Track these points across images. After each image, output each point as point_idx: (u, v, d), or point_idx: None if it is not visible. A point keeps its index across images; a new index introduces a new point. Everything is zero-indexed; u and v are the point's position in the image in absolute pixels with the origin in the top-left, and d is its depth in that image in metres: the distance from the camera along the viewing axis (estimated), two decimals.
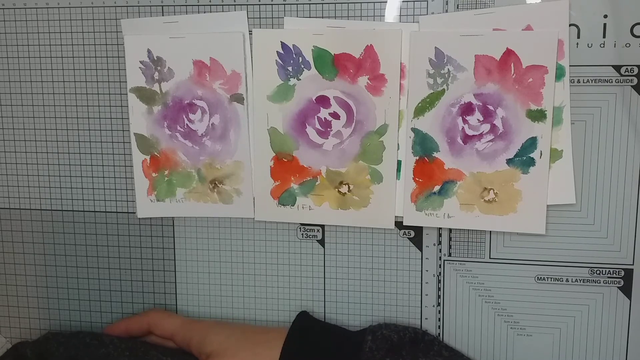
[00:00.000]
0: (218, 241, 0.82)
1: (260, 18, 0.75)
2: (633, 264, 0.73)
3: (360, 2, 0.73)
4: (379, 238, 0.78)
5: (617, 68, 0.70)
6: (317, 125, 0.75)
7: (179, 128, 0.78)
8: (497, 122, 0.71)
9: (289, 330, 0.75)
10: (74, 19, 0.79)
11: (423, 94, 0.72)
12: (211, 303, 0.83)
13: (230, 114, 0.77)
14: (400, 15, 0.72)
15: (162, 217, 0.82)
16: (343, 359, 0.72)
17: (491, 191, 0.73)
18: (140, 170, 0.80)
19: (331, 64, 0.73)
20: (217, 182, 0.79)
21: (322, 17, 0.74)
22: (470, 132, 0.72)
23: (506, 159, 0.72)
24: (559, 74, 0.69)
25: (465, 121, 0.72)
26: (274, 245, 0.81)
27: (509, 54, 0.69)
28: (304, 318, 0.78)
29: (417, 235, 0.77)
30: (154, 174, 0.80)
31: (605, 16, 0.69)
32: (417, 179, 0.74)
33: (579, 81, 0.70)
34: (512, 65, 0.70)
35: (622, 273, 0.74)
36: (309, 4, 0.74)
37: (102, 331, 0.83)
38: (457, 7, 0.71)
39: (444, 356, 0.73)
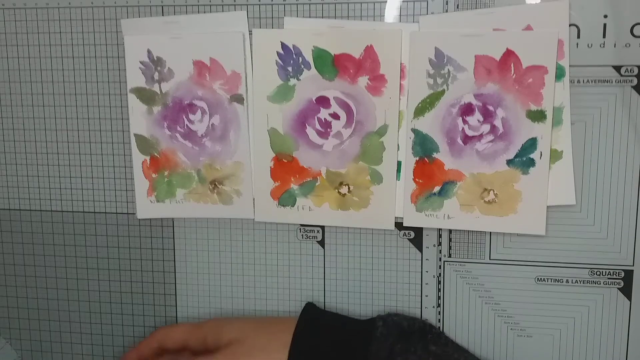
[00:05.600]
0: (218, 242, 0.82)
1: (260, 18, 0.75)
2: (633, 265, 0.73)
3: (360, 2, 0.73)
4: (379, 239, 0.78)
5: (617, 68, 0.70)
6: (317, 126, 0.75)
7: (178, 128, 0.78)
8: (497, 123, 0.71)
9: (299, 317, 0.75)
10: (74, 19, 0.79)
11: (423, 94, 0.72)
12: (211, 304, 0.83)
13: (230, 114, 0.77)
14: (400, 16, 0.72)
15: (162, 218, 0.82)
16: (354, 344, 0.72)
17: (491, 192, 0.73)
18: (140, 171, 0.80)
19: (331, 64, 0.73)
20: (217, 183, 0.79)
21: (322, 17, 0.74)
22: (470, 133, 0.72)
23: (506, 160, 0.72)
24: (559, 74, 0.69)
25: (465, 122, 0.72)
26: (274, 246, 0.80)
27: (509, 54, 0.69)
28: (311, 307, 0.78)
29: (417, 236, 0.77)
30: (153, 175, 0.80)
31: (605, 16, 0.69)
32: (417, 179, 0.74)
33: (579, 81, 0.70)
34: (512, 65, 0.70)
35: (622, 274, 0.74)
36: (309, 4, 0.74)
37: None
38: (457, 7, 0.71)
39: (451, 347, 0.74)
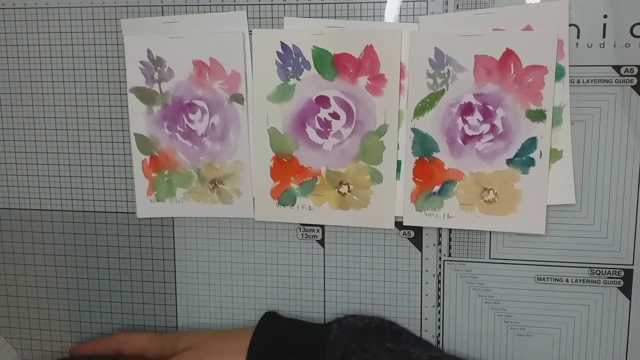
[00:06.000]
0: (218, 241, 0.82)
1: (260, 18, 0.75)
2: (633, 264, 0.73)
3: (360, 2, 0.73)
4: (379, 238, 0.78)
5: (617, 68, 0.70)
6: (317, 126, 0.75)
7: (178, 128, 0.78)
8: (497, 122, 0.71)
9: (258, 323, 0.77)
10: (74, 19, 0.79)
11: (423, 94, 0.72)
12: (211, 303, 0.83)
13: (230, 114, 0.76)
14: (400, 15, 0.72)
15: (162, 218, 0.82)
16: (310, 347, 0.73)
17: (491, 191, 0.73)
18: (140, 170, 0.80)
19: (331, 64, 0.73)
20: (217, 182, 0.79)
21: (322, 17, 0.74)
22: (470, 132, 0.72)
23: (506, 159, 0.72)
24: (559, 74, 0.69)
25: (465, 121, 0.72)
26: (274, 245, 0.81)
27: (508, 54, 0.69)
28: (271, 315, 0.80)
29: (417, 236, 0.77)
30: (153, 174, 0.80)
31: (605, 16, 0.69)
32: (417, 179, 0.74)
33: (579, 81, 0.70)
34: (512, 65, 0.70)
35: (622, 273, 0.74)
36: (309, 4, 0.74)
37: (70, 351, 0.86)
38: (457, 7, 0.71)
39: (411, 344, 0.74)
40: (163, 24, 0.76)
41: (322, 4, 0.74)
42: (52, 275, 0.86)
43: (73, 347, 0.85)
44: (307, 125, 0.75)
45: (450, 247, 0.77)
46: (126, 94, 0.79)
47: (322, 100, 0.74)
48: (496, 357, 0.78)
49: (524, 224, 0.73)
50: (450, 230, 0.76)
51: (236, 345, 0.74)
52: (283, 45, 0.74)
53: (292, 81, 0.74)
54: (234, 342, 0.74)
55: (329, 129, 0.75)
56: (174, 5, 0.76)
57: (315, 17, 0.74)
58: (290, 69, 0.74)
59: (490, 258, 0.76)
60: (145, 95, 0.78)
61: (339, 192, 0.76)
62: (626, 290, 0.74)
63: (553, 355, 0.77)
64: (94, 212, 0.83)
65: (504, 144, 0.72)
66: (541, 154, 0.71)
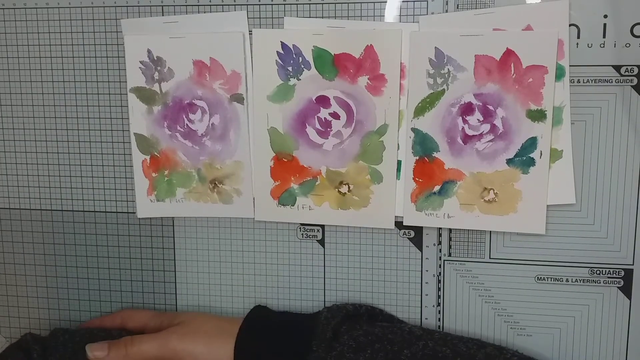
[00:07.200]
0: (218, 241, 0.82)
1: (260, 18, 0.75)
2: (633, 264, 0.73)
3: (360, 2, 0.73)
4: (379, 238, 0.78)
5: (617, 68, 0.70)
6: (317, 125, 0.75)
7: (179, 128, 0.78)
8: (497, 122, 0.71)
9: (248, 313, 0.78)
10: (74, 19, 0.79)
11: (423, 94, 0.72)
12: (211, 303, 0.83)
13: (230, 114, 0.77)
14: (400, 15, 0.72)
15: (162, 217, 0.82)
16: (300, 330, 0.73)
17: (491, 191, 0.73)
18: (140, 170, 0.80)
19: (331, 64, 0.73)
20: (217, 182, 0.79)
21: (322, 17, 0.74)
22: (470, 132, 0.72)
23: (506, 159, 0.72)
24: (559, 74, 0.69)
25: (465, 121, 0.72)
26: (274, 245, 0.81)
27: (509, 54, 0.69)
28: (262, 307, 0.80)
29: (417, 235, 0.77)
30: (154, 174, 0.80)
31: (605, 16, 0.69)
32: (417, 179, 0.74)
33: (579, 81, 0.70)
34: (512, 65, 0.70)
35: (622, 273, 0.74)
36: (309, 4, 0.74)
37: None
38: (457, 7, 0.71)
39: (402, 322, 0.76)
40: (163, 24, 0.76)
41: (322, 4, 0.74)
42: (52, 275, 0.86)
43: (79, 325, 0.85)
44: (307, 125, 0.75)
45: (450, 247, 0.77)
46: (126, 94, 0.79)
47: (322, 100, 0.74)
48: None
49: (524, 224, 0.73)
50: (450, 230, 0.76)
51: (227, 331, 0.74)
52: (283, 45, 0.74)
53: (292, 81, 0.75)
54: (226, 327, 0.75)
55: (329, 129, 0.75)
56: (174, 5, 0.76)
57: (315, 17, 0.74)
58: (290, 68, 0.74)
59: (490, 258, 0.76)
60: (146, 95, 0.78)
61: (339, 192, 0.76)
62: (626, 290, 0.74)
63: (553, 355, 0.77)
64: (94, 212, 0.83)
65: (504, 143, 0.72)
66: (541, 154, 0.71)
